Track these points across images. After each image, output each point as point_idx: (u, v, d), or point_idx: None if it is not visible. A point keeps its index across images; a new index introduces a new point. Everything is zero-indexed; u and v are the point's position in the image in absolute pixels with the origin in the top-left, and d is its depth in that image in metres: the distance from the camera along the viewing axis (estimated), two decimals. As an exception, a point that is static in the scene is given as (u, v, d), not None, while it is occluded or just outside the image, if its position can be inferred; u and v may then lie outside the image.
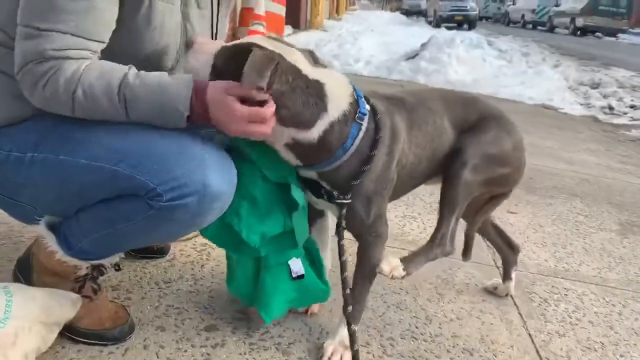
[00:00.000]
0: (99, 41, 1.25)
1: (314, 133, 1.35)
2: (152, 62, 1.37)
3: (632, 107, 7.55)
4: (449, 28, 17.18)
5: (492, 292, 2.08)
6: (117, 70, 1.24)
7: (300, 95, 1.31)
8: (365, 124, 1.41)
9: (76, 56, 1.21)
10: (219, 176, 1.29)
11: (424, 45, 8.37)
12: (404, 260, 1.62)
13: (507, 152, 1.66)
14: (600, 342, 1.89)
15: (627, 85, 9.39)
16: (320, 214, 1.69)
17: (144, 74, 1.25)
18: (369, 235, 1.52)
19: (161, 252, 1.92)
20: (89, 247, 1.39)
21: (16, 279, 1.52)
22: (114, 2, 1.25)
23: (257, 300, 1.57)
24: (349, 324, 1.48)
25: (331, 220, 1.67)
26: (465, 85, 7.42)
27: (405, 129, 1.52)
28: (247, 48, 1.28)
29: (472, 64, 8.18)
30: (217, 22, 1.54)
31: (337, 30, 13.72)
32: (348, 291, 1.49)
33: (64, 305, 1.39)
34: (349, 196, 1.43)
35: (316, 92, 1.34)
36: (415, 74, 7.63)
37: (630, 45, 21.14)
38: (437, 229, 1.66)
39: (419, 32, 15.47)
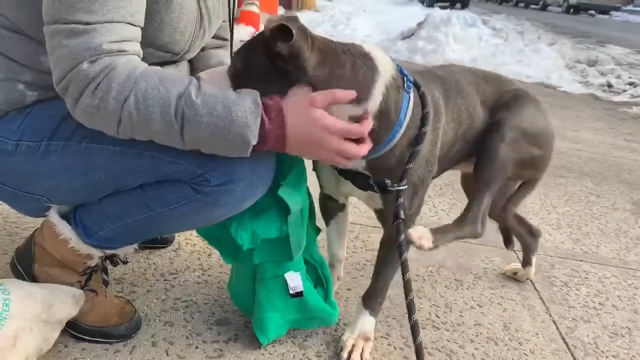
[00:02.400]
0: (140, 27, 1.12)
1: (376, 101, 1.18)
2: (168, 47, 1.26)
3: (630, 84, 7.48)
4: (442, 7, 17.00)
5: (511, 277, 1.99)
6: (177, 80, 1.07)
7: (345, 58, 1.15)
8: (412, 95, 1.26)
9: (132, 50, 1.09)
10: (261, 161, 1.20)
11: (420, 24, 8.21)
12: (433, 232, 1.45)
13: (542, 132, 1.55)
14: (627, 327, 1.81)
15: (624, 63, 9.31)
16: (341, 207, 1.57)
17: (207, 90, 1.08)
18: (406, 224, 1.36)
19: (165, 241, 1.82)
20: (113, 233, 1.28)
21: (15, 272, 1.41)
22: None
23: (253, 315, 1.44)
24: (419, 353, 1.28)
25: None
26: (463, 63, 7.31)
27: (443, 105, 1.39)
28: (261, 34, 1.15)
29: (469, 43, 8.05)
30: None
31: (330, 11, 13.49)
32: (415, 319, 1.29)
33: (66, 302, 1.28)
34: (405, 182, 1.27)
35: (359, 52, 1.18)
36: (413, 54, 7.48)
37: (624, 22, 21.05)
38: (468, 207, 1.52)
39: (413, 12, 15.30)
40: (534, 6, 28.67)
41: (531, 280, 1.99)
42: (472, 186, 1.58)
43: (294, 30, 1.05)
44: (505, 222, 1.80)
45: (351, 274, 1.85)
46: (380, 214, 1.41)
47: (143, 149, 1.15)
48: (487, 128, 1.49)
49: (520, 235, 1.93)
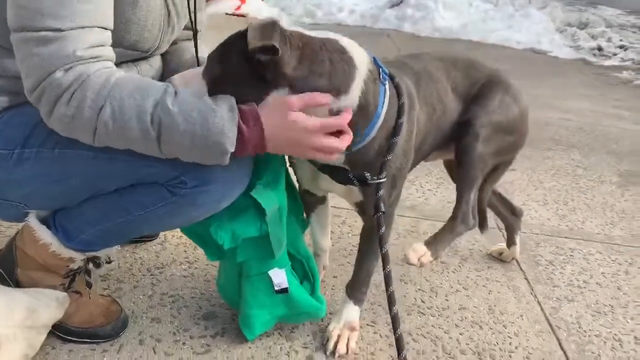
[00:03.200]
0: (110, 30, 1.10)
1: (354, 95, 1.17)
2: (137, 46, 1.23)
3: (621, 47, 7.43)
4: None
5: (497, 257, 2.01)
6: (153, 88, 1.06)
7: (323, 54, 1.14)
8: (387, 86, 1.26)
9: (106, 55, 1.07)
10: (237, 160, 1.17)
11: (408, -9, 8.07)
12: (428, 244, 1.54)
13: (515, 119, 1.56)
14: (610, 304, 1.84)
15: (615, 24, 9.22)
16: (321, 200, 1.57)
17: (183, 97, 1.06)
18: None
19: (150, 235, 1.82)
20: (93, 237, 1.29)
21: (-3, 276, 1.41)
22: None
23: (239, 311, 1.45)
24: (399, 350, 1.27)
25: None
26: (452, 31, 7.22)
27: (415, 93, 1.40)
28: (237, 35, 1.13)
29: (459, 9, 7.92)
30: None
31: (318, -23, 13.24)
32: (395, 310, 1.28)
33: (50, 306, 1.29)
34: (384, 175, 1.27)
35: (335, 48, 1.17)
36: (402, 22, 7.38)
37: (616, -19, 20.76)
38: (457, 207, 1.57)
39: (401, -24, 15.02)
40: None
41: (517, 260, 2.01)
42: (456, 170, 1.59)
43: (277, 46, 1.05)
44: (480, 204, 1.80)
45: (337, 260, 1.87)
46: (360, 206, 1.41)
47: (117, 153, 1.13)
48: (462, 122, 1.50)
49: (502, 215, 1.94)
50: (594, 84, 5.37)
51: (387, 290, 1.28)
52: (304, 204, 1.53)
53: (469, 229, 1.59)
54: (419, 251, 1.50)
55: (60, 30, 1.00)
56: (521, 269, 1.98)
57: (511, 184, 2.69)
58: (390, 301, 1.28)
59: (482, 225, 1.83)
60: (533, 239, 2.20)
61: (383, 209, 1.27)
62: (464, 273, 1.91)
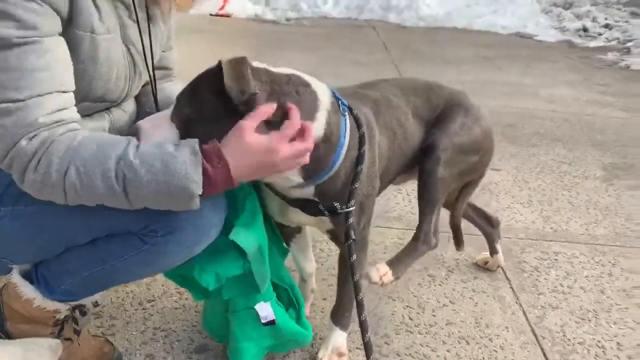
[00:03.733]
0: (72, 91, 1.13)
1: (320, 126, 1.23)
2: (105, 98, 1.26)
3: (606, 26, 7.44)
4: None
5: (483, 267, 2.05)
6: (115, 144, 1.09)
7: (289, 89, 1.20)
8: (347, 117, 1.31)
9: (69, 117, 1.10)
10: (209, 203, 1.20)
11: (392, -20, 8.04)
12: (391, 264, 1.59)
13: (477, 139, 1.62)
14: (593, 310, 1.89)
15: (600, 2, 9.22)
16: (298, 229, 1.61)
17: (145, 149, 1.09)
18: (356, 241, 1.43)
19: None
20: (73, 287, 1.32)
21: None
22: (63, 42, 1.12)
23: (228, 345, 1.49)
24: (367, 354, 1.31)
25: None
26: (437, 19, 7.21)
27: (374, 121, 1.44)
28: (207, 73, 1.16)
29: (443, -5, 7.91)
30: (148, 28, 1.37)
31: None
32: (364, 317, 1.30)
33: (43, 355, 1.32)
34: (352, 202, 1.30)
35: (300, 82, 1.23)
36: (387, 12, 7.37)
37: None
38: (419, 227, 1.63)
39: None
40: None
41: (502, 268, 2.05)
42: (418, 192, 1.63)
43: (251, 86, 1.11)
44: (455, 221, 1.85)
45: (327, 280, 1.90)
46: (332, 234, 1.46)
47: (88, 207, 1.16)
48: (424, 147, 1.55)
49: (480, 226, 1.99)
50: (579, 67, 5.39)
51: (359, 317, 1.30)
52: (282, 234, 1.57)
53: (430, 249, 1.67)
54: (381, 270, 1.57)
55: (20, 100, 1.04)
56: (507, 277, 2.02)
57: (496, 185, 2.73)
58: (363, 328, 1.30)
59: (459, 242, 1.89)
60: (518, 244, 2.25)
61: (354, 236, 1.31)
62: (450, 285, 1.95)
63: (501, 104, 3.99)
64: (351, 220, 1.31)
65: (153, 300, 1.74)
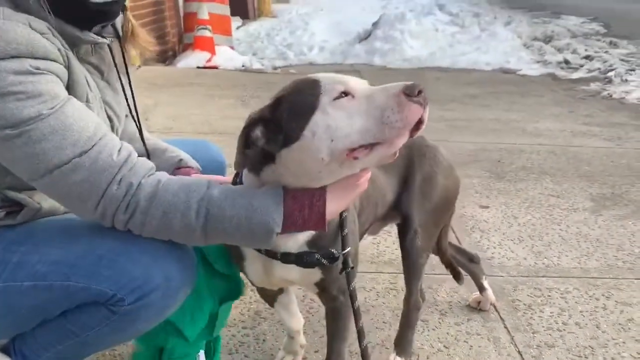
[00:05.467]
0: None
1: None
2: None
3: (586, 57, 7.60)
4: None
5: (476, 307, 2.04)
6: (197, 184, 1.15)
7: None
8: None
9: (132, 150, 1.17)
10: (177, 263, 1.22)
11: (375, 25, 8.24)
12: (399, 350, 1.72)
13: (448, 193, 1.67)
14: (590, 346, 1.87)
15: (579, 34, 9.45)
16: (280, 290, 1.59)
17: (227, 188, 1.16)
18: (343, 294, 1.39)
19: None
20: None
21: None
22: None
23: None
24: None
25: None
26: (421, 60, 7.36)
27: None
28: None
29: (426, 37, 8.10)
30: (130, 87, 1.43)
31: (287, 15, 13.44)
32: (365, 344, 1.30)
33: None
34: (348, 248, 1.29)
35: None
36: (371, 56, 7.52)
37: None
38: (408, 296, 1.70)
39: (368, 4, 15.30)
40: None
41: (496, 308, 2.04)
42: (403, 261, 1.67)
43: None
44: (445, 259, 1.94)
45: (318, 332, 1.88)
46: (320, 285, 1.40)
47: (53, 280, 1.17)
48: (402, 215, 1.60)
49: (462, 264, 2.00)
50: (563, 100, 5.47)
51: (360, 345, 1.29)
52: (265, 298, 1.57)
53: (420, 308, 1.75)
54: None
55: (84, 151, 1.09)
56: (500, 317, 2.01)
57: (486, 223, 2.74)
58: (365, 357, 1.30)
59: (458, 276, 1.94)
60: (511, 282, 2.24)
61: (351, 264, 1.29)
62: (444, 329, 1.93)
63: (488, 141, 4.03)
64: (350, 267, 1.29)
65: (143, 363, 1.71)
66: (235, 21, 10.15)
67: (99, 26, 1.25)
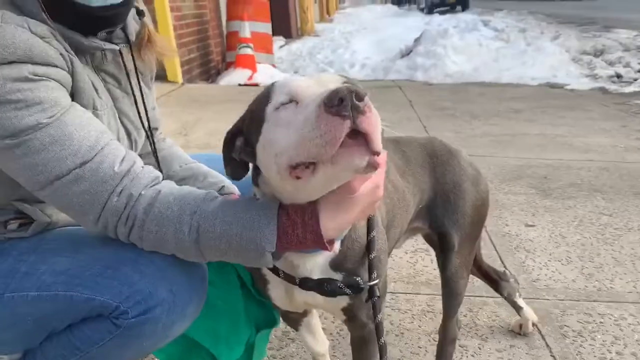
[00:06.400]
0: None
1: None
2: None
3: (640, 71, 7.29)
4: (442, 12, 16.88)
5: (518, 332, 1.89)
6: (193, 196, 1.09)
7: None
8: None
9: (136, 158, 1.12)
10: (185, 278, 1.16)
11: (417, 41, 8.16)
12: None
13: (479, 203, 1.55)
14: (648, 379, 1.70)
15: (632, 48, 9.07)
16: (304, 313, 1.49)
17: (223, 201, 1.08)
18: (372, 322, 1.24)
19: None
20: None
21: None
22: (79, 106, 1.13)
23: None
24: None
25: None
26: (465, 75, 7.21)
27: None
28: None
29: (469, 52, 7.95)
30: (141, 96, 1.35)
31: (329, 34, 13.55)
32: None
33: None
34: (375, 275, 1.16)
35: None
36: (413, 72, 7.42)
37: (629, 1, 20.64)
38: (446, 322, 1.62)
39: (412, 23, 15.26)
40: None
41: (541, 334, 1.89)
42: (442, 288, 1.61)
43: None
44: (482, 272, 1.86)
45: (347, 356, 1.78)
46: (347, 311, 1.27)
47: (58, 290, 1.13)
48: (439, 237, 1.52)
49: (493, 283, 1.88)
50: (615, 115, 5.22)
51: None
52: (288, 322, 1.48)
53: (456, 339, 1.67)
54: None
55: (86, 162, 1.04)
56: (547, 344, 1.85)
57: (531, 242, 2.58)
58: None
59: (496, 287, 1.86)
60: (558, 306, 2.07)
61: (378, 293, 1.17)
62: (484, 356, 1.79)
63: (533, 156, 3.85)
64: (375, 298, 1.16)
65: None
66: (278, 40, 10.29)
67: (105, 32, 1.20)
